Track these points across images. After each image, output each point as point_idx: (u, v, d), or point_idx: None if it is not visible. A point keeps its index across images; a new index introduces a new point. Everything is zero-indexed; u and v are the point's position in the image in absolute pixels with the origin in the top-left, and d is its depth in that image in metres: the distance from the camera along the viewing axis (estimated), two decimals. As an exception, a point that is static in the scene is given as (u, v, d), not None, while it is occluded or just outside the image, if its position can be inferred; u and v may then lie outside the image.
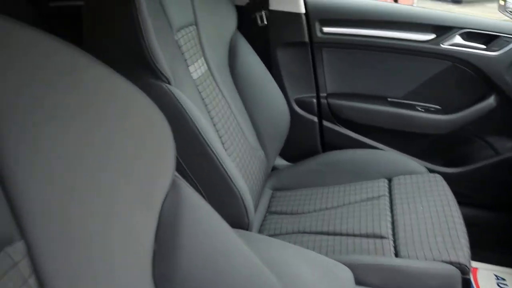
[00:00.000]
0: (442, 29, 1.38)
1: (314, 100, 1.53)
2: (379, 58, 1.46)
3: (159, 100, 0.77)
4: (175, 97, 0.86)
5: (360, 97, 1.52)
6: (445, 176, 1.51)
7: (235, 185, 0.97)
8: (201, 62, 1.10)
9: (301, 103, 1.53)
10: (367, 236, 1.09)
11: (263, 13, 1.37)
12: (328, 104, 1.52)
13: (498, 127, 1.49)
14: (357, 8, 1.43)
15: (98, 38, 0.85)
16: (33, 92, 0.37)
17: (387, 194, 1.24)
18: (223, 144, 1.07)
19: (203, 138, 0.91)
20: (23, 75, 0.37)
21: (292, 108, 1.51)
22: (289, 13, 1.39)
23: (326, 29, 1.43)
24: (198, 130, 0.90)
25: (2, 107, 0.34)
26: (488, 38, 1.37)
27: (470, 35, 1.37)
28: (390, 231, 1.10)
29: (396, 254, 1.03)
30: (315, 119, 1.54)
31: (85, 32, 0.86)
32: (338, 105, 1.51)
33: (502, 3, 3.74)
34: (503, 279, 1.41)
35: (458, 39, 1.37)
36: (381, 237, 1.08)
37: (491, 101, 1.42)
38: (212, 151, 0.93)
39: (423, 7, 1.47)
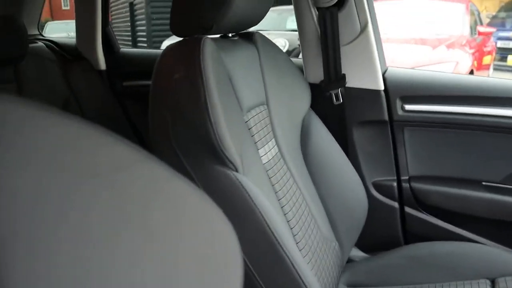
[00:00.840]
0: None
1: (395, 184, 1.37)
2: (469, 137, 1.30)
3: (226, 189, 0.68)
4: (243, 187, 0.76)
5: (448, 180, 1.35)
6: None
7: (306, 285, 0.83)
8: (271, 144, 1.01)
9: (380, 187, 1.38)
10: None
11: (338, 90, 1.28)
12: (411, 188, 1.35)
13: None
14: (443, 83, 1.30)
15: (165, 121, 0.79)
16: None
17: None
18: (294, 236, 0.94)
19: (273, 234, 0.79)
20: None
21: (369, 193, 1.36)
22: (367, 90, 1.29)
23: (408, 107, 1.30)
24: (267, 224, 0.78)
25: None
26: None
27: None
28: None
29: None
30: (396, 204, 1.37)
31: (151, 113, 0.81)
32: (422, 189, 1.34)
33: None
34: None
35: None
36: None
37: None
38: (282, 248, 0.80)
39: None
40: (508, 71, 8.68)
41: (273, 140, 1.03)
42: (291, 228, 0.94)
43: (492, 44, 5.79)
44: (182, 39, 0.85)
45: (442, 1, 5.85)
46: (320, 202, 1.15)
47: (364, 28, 1.25)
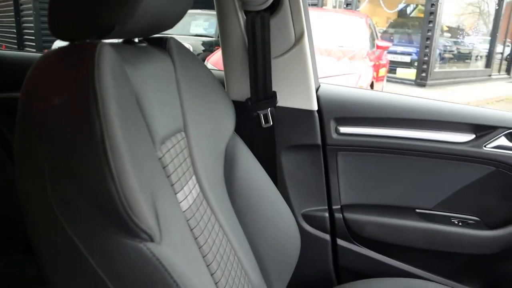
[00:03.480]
0: (483, 129, 1.14)
1: (326, 214, 1.22)
2: (405, 162, 1.19)
3: (137, 268, 0.46)
4: (161, 263, 0.52)
5: (382, 209, 1.23)
6: None
7: None
8: (191, 184, 0.78)
9: (310, 218, 1.22)
10: None
11: (268, 110, 1.08)
12: (344, 218, 1.21)
13: None
14: (381, 104, 1.17)
15: (39, 168, 0.52)
16: None
17: None
18: None
19: None
20: None
21: (299, 225, 1.19)
22: (300, 110, 1.11)
23: (343, 129, 1.16)
24: None
25: None
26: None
27: None
28: None
29: None
30: (328, 237, 1.22)
31: (18, 154, 0.53)
32: (355, 220, 1.21)
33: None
34: None
35: (503, 141, 1.13)
36: None
37: None
38: None
39: (444, 101, 1.24)
40: (398, 82, 9.38)
41: (194, 177, 0.80)
42: None
43: (385, 57, 6.11)
44: (68, 45, 0.59)
45: (343, 14, 6.06)
46: (249, 245, 0.95)
47: (299, 38, 1.06)
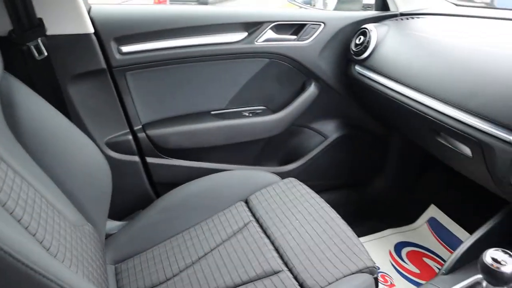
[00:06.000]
0: (253, 26, 1.27)
1: (130, 137, 1.23)
2: (192, 70, 1.26)
3: None
4: None
5: (181, 118, 1.30)
6: (290, 174, 1.44)
7: None
8: None
9: (115, 145, 1.22)
10: (259, 278, 0.91)
11: (38, 41, 0.99)
12: (148, 136, 1.25)
13: (323, 112, 1.49)
14: (159, 16, 1.18)
15: None
16: None
17: (252, 218, 1.07)
18: (41, 243, 0.70)
19: (17, 260, 0.54)
20: None
21: (106, 154, 1.19)
22: (75, 35, 1.05)
23: (125, 48, 1.14)
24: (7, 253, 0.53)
25: None
26: (297, 28, 1.32)
27: (280, 28, 1.30)
28: (280, 261, 0.93)
29: (302, 286, 0.87)
30: (137, 158, 1.25)
31: None
32: (159, 135, 1.26)
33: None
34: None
35: (270, 34, 1.28)
36: (275, 272, 0.91)
37: (312, 89, 1.39)
38: (35, 270, 0.56)
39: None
40: (180, 2, 9.36)
41: None
42: (34, 235, 0.70)
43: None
44: None
45: None
46: (55, 185, 0.91)
47: None
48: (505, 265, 0.69)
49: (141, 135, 1.24)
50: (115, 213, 1.21)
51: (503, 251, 0.71)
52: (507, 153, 0.89)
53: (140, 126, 1.25)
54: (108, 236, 1.12)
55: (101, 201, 1.03)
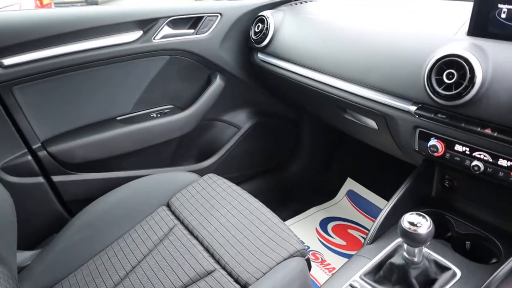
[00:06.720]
0: (148, 23, 1.21)
1: (29, 157, 1.13)
2: (88, 76, 1.17)
3: None
4: None
5: (84, 129, 1.21)
6: (208, 170, 1.42)
7: None
8: None
9: (13, 168, 1.11)
10: (193, 281, 0.88)
11: None
12: (50, 153, 1.15)
13: (233, 104, 1.48)
14: (41, 22, 1.07)
15: None
16: None
17: (176, 221, 1.04)
18: None
19: None
20: None
21: (3, 180, 1.07)
22: None
23: (7, 61, 1.03)
24: None
25: None
26: (194, 22, 1.29)
27: (176, 23, 1.26)
28: (212, 261, 0.92)
29: (238, 281, 0.86)
30: (41, 179, 1.15)
31: None
32: (62, 150, 1.16)
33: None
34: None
35: (167, 30, 1.24)
36: (209, 272, 0.89)
37: (218, 81, 1.38)
38: None
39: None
40: (67, 4, 8.84)
41: None
42: None
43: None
44: None
45: None
46: None
47: None
48: (420, 226, 0.74)
49: (42, 153, 1.14)
50: (27, 243, 1.10)
51: (417, 214, 0.76)
52: (408, 122, 0.95)
53: (39, 144, 1.15)
54: (21, 269, 1.01)
55: (6, 234, 0.93)
